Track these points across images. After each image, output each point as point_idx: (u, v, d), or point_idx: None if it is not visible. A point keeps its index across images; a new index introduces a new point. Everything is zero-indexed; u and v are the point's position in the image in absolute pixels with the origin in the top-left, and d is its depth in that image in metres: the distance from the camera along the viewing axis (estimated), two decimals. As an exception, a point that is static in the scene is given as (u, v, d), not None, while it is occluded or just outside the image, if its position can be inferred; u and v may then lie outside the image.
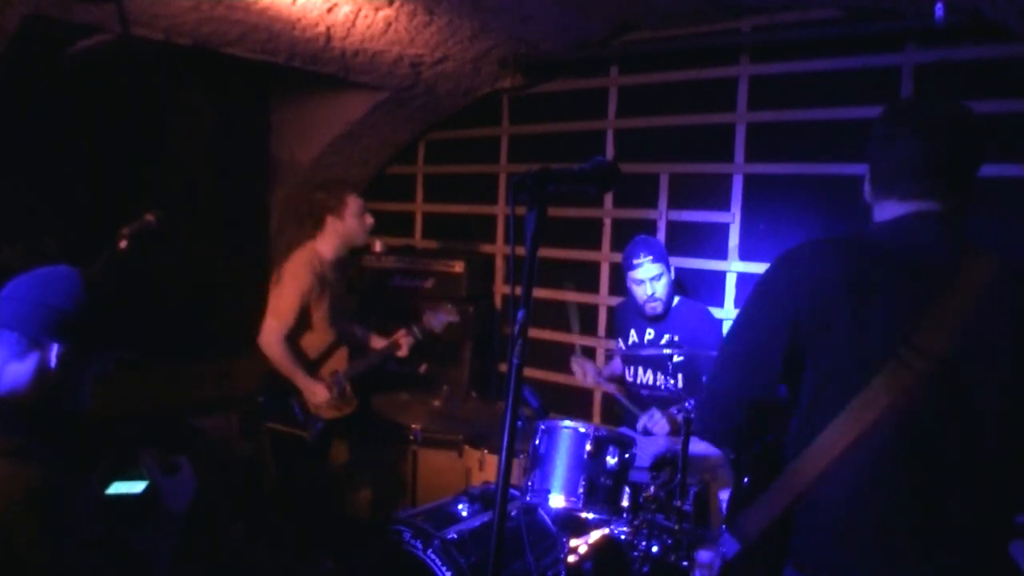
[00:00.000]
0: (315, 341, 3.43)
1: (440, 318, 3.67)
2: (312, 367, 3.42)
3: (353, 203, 3.41)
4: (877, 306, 1.44)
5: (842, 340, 1.45)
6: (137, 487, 1.63)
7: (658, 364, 3.39)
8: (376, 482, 4.15)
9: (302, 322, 3.34)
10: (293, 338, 3.35)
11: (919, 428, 1.43)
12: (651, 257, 3.30)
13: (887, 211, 1.56)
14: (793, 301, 1.49)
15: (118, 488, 1.63)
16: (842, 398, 1.45)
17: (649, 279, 3.32)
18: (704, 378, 3.32)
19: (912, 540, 1.45)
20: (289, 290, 3.27)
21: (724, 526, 1.84)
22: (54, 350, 1.47)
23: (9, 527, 1.31)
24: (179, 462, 1.73)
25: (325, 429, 3.47)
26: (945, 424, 1.42)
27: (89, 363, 1.54)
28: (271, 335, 3.27)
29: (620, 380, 3.70)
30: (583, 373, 3.54)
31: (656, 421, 3.21)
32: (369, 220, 3.49)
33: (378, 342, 3.72)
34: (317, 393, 3.35)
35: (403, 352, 3.62)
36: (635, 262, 3.31)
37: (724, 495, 3.03)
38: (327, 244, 3.40)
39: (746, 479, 1.71)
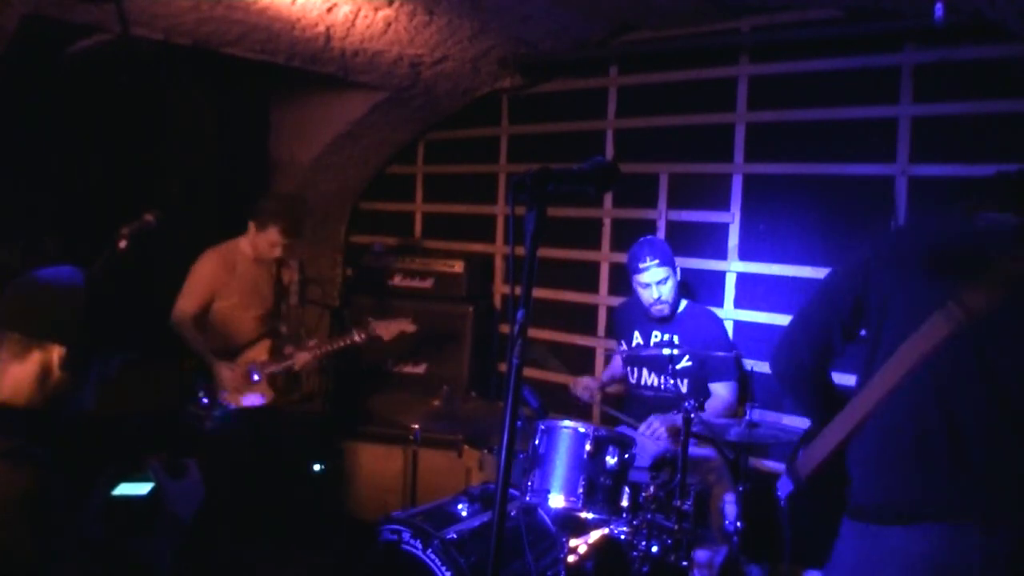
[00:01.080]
0: (232, 329, 3.58)
1: (390, 326, 3.72)
2: (231, 353, 3.56)
3: (272, 233, 3.54)
4: (924, 281, 1.83)
5: (898, 306, 1.84)
6: (143, 489, 1.63)
7: (661, 366, 3.38)
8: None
9: (213, 307, 3.53)
10: (203, 321, 3.53)
11: (949, 372, 1.77)
12: (657, 260, 3.28)
13: (984, 218, 1.96)
14: (859, 275, 1.92)
15: (124, 489, 1.62)
16: (894, 347, 1.81)
17: (655, 282, 3.30)
18: (710, 382, 3.35)
19: (941, 463, 1.76)
20: (197, 273, 3.53)
21: (785, 467, 2.09)
22: (56, 351, 1.46)
23: (3, 528, 1.30)
24: (186, 465, 1.72)
25: (273, 421, 3.59)
26: (968, 370, 1.77)
27: (92, 364, 1.52)
28: (178, 312, 3.48)
29: (622, 381, 3.69)
30: (586, 392, 3.45)
31: (655, 430, 3.12)
32: (277, 252, 3.60)
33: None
34: (221, 375, 3.47)
35: (297, 368, 3.67)
36: (641, 265, 3.29)
37: (726, 497, 3.03)
38: (248, 243, 3.62)
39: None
